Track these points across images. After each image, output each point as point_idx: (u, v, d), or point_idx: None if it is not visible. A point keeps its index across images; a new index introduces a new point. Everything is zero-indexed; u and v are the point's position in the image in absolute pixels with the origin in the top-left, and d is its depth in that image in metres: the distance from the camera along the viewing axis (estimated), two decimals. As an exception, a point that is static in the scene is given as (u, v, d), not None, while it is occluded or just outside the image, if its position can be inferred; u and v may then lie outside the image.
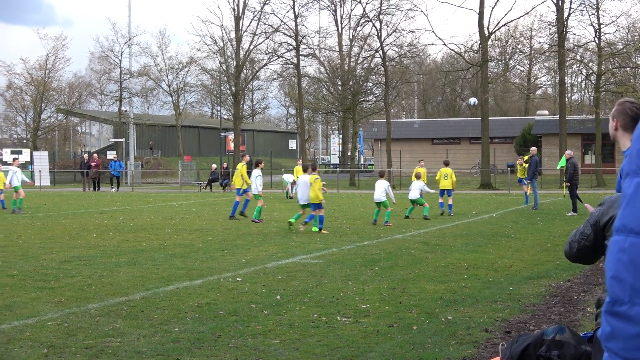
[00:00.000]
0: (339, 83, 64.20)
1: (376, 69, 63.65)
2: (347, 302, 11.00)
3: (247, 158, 27.13)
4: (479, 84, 59.36)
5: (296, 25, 62.81)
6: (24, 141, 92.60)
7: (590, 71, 56.56)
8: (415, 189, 26.45)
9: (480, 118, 54.53)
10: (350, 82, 62.19)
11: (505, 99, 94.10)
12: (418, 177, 26.76)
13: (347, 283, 12.68)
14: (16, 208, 29.23)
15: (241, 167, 26.06)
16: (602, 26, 52.48)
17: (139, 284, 12.70)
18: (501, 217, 26.61)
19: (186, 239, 19.92)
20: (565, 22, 50.99)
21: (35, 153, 69.08)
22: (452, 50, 58.49)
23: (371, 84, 65.37)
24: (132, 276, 13.57)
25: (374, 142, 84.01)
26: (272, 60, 67.24)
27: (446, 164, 28.81)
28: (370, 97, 66.95)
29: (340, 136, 79.83)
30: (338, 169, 61.00)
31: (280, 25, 64.03)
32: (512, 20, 67.19)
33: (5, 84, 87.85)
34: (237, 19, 64.61)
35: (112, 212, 29.74)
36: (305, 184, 21.91)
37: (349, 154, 69.35)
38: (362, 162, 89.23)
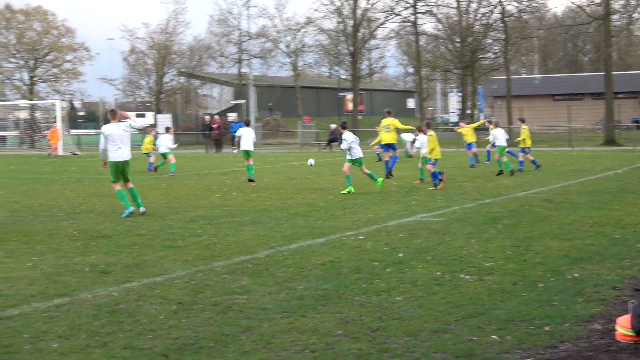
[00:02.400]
0: (457, 40, 63.28)
1: (495, 24, 62.39)
2: (470, 260, 10.90)
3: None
4: (602, 38, 57.50)
5: (413, -18, 62.04)
6: (147, 104, 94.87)
7: None
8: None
9: (603, 73, 52.89)
10: (469, 39, 61.20)
11: (629, 52, 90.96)
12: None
13: (470, 241, 12.55)
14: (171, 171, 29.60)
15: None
16: None
17: (263, 243, 12.89)
18: (627, 174, 25.86)
19: (307, 198, 20.08)
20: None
21: (158, 116, 70.72)
22: (574, 3, 56.82)
23: (490, 40, 64.18)
24: (255, 235, 13.78)
25: (493, 100, 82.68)
26: (389, 18, 66.73)
27: (522, 121, 29.49)
28: (489, 54, 65.81)
29: (460, 94, 78.78)
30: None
31: (398, -18, 63.33)
32: (638, -30, 64.56)
33: (128, 48, 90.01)
34: (354, -23, 64.23)
35: (234, 173, 30.23)
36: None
37: (469, 111, 68.39)
38: (482, 119, 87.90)
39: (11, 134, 74.18)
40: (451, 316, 7.96)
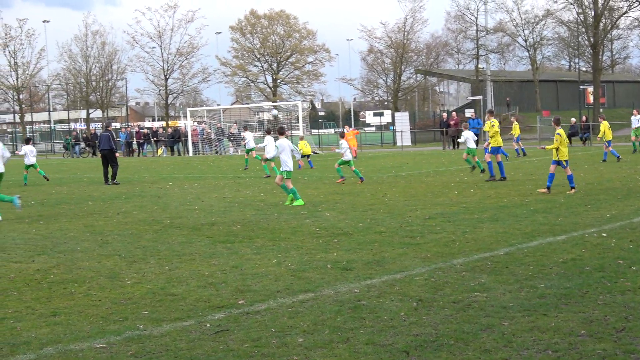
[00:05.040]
0: None
1: None
2: None
3: None
4: None
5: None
6: (385, 103, 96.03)
7: None
8: None
9: None
10: None
11: None
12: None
13: None
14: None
15: None
16: None
17: (502, 240, 12.74)
18: None
19: (546, 194, 19.59)
20: None
21: (396, 114, 71.38)
22: None
23: None
24: (494, 232, 13.64)
25: None
26: (633, 6, 63.86)
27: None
28: None
29: None
30: None
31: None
32: None
33: (366, 48, 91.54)
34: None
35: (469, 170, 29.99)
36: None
37: None
38: None
39: (256, 134, 77.43)
40: None
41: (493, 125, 24.63)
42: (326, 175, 29.87)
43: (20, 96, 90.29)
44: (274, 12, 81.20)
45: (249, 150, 36.84)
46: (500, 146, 24.70)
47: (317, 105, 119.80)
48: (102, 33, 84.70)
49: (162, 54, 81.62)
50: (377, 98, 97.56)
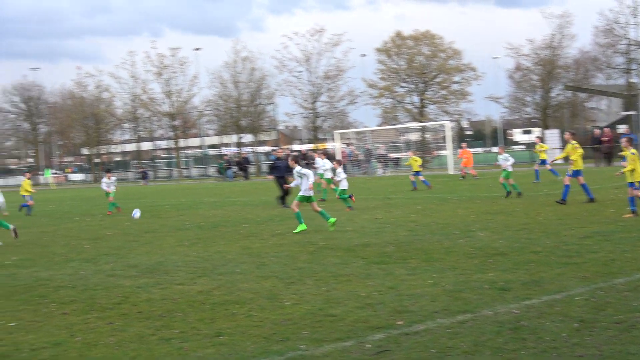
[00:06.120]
0: None
1: None
2: None
3: None
4: None
5: None
6: (533, 120, 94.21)
7: None
8: None
9: None
10: None
11: None
12: None
13: None
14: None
15: None
16: None
17: (666, 259, 12.36)
18: None
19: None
20: None
21: (546, 131, 69.98)
22: None
23: None
24: (656, 251, 13.24)
25: None
26: None
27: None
28: None
29: None
30: None
31: None
32: None
33: (513, 65, 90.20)
34: None
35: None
36: None
37: None
38: None
39: (402, 155, 77.47)
40: None
41: (577, 148, 24.18)
42: (477, 195, 29.59)
43: (174, 122, 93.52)
44: (419, 33, 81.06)
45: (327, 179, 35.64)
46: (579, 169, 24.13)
47: (464, 124, 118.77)
48: (251, 59, 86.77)
49: (309, 77, 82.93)
50: (525, 116, 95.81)
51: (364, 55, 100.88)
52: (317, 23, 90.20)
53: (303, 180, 20.32)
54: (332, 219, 19.78)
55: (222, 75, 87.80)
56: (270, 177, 30.68)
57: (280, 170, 29.70)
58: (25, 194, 35.48)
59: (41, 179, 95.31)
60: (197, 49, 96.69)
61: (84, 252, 18.19)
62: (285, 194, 29.49)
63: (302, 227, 19.89)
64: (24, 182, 36.14)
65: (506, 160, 28.17)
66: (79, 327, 9.85)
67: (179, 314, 10.37)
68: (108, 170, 34.88)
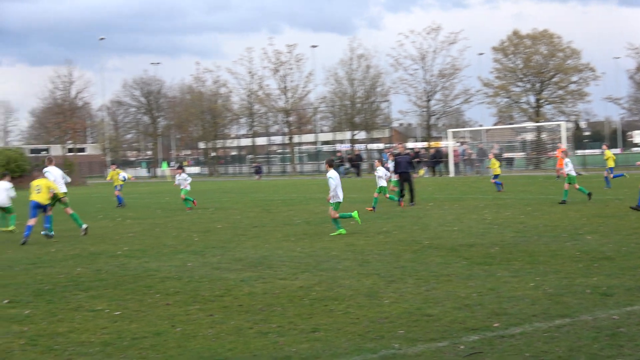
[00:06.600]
0: None
1: None
2: None
3: None
4: None
5: None
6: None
7: None
8: None
9: None
10: None
11: None
12: None
13: None
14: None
15: None
16: None
17: None
18: None
19: None
20: None
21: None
22: None
23: None
24: None
25: None
26: None
27: None
28: None
29: None
30: None
31: None
32: None
33: (634, 66, 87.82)
34: None
35: None
36: None
37: None
38: None
39: (518, 155, 76.28)
40: None
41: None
42: (594, 199, 28.92)
43: (289, 118, 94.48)
44: (537, 32, 79.68)
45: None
46: None
47: (582, 125, 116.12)
48: (366, 56, 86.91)
49: (424, 75, 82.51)
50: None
51: (481, 53, 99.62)
52: (434, 21, 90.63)
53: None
54: (341, 231, 19.84)
55: (338, 72, 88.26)
56: (396, 176, 30.40)
57: (402, 166, 29.60)
58: (117, 184, 35.91)
59: (159, 172, 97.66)
60: (313, 46, 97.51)
61: (193, 244, 18.62)
62: (405, 190, 29.33)
63: (341, 231, 19.88)
64: (112, 173, 36.58)
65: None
66: (180, 318, 10.12)
67: (278, 309, 10.53)
68: (180, 167, 34.75)
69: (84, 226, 22.04)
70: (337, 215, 20.06)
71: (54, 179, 22.38)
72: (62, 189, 22.52)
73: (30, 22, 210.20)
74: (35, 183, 21.36)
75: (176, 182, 33.03)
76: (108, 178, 37.43)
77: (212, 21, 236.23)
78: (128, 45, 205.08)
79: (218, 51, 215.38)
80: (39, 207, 20.97)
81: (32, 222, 20.66)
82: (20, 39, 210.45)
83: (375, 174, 28.44)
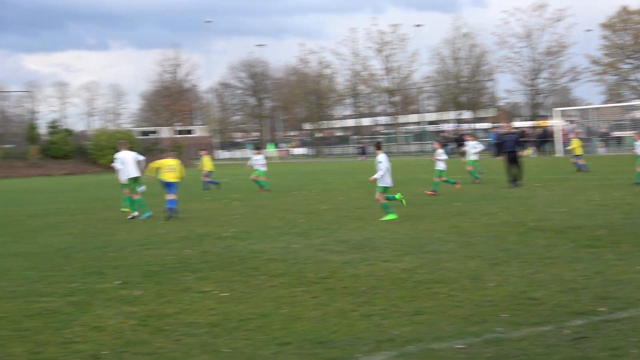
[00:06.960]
0: None
1: None
2: None
3: None
4: None
5: None
6: None
7: None
8: None
9: None
10: None
11: None
12: None
13: None
14: None
15: None
16: None
17: None
18: None
19: None
20: None
21: None
22: None
23: None
24: None
25: None
26: None
27: None
28: None
29: None
30: None
31: None
32: None
33: None
34: None
35: None
36: None
37: None
38: None
39: (627, 134, 74.36)
40: None
41: None
42: None
43: (394, 98, 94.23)
44: (648, 7, 77.60)
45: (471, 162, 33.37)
46: None
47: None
48: (471, 35, 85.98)
49: (530, 54, 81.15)
50: None
51: (589, 30, 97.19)
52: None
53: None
54: (391, 216, 19.60)
55: (442, 51, 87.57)
56: (500, 157, 30.04)
57: (508, 145, 29.20)
58: (207, 170, 35.95)
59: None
60: (417, 25, 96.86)
61: (297, 226, 18.86)
62: (512, 170, 28.88)
63: (391, 216, 19.64)
64: (205, 159, 36.57)
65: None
66: (285, 300, 10.30)
67: (381, 291, 10.61)
68: (257, 148, 34.95)
69: (135, 214, 22.66)
70: (384, 199, 19.96)
71: (123, 164, 22.97)
72: (132, 174, 22.96)
73: (138, 6, 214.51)
74: (167, 162, 22.13)
75: (249, 163, 33.56)
76: (199, 167, 37.32)
77: (316, 1, 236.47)
78: (233, 27, 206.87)
79: (322, 32, 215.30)
80: (171, 185, 21.93)
81: (171, 196, 21.74)
82: (128, 23, 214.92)
83: (437, 157, 27.96)
